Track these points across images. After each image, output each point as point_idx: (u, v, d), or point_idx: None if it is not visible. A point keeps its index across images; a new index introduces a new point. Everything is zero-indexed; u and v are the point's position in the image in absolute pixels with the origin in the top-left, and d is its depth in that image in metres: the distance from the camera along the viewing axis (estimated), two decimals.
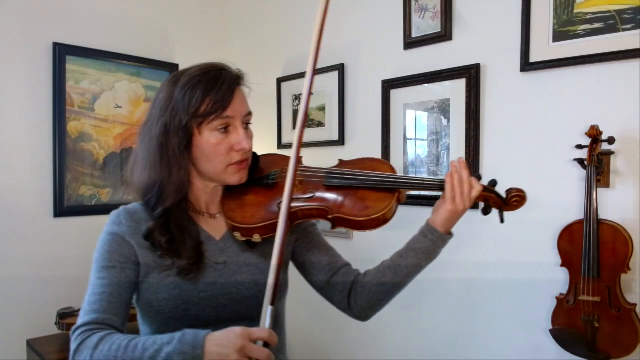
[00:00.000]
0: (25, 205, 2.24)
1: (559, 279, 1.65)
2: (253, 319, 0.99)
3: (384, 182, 1.04)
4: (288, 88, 2.60)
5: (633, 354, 1.47)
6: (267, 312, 0.86)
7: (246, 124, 1.05)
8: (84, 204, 2.41)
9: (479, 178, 1.06)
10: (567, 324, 1.57)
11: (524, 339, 1.77)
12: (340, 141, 2.35)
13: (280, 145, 2.65)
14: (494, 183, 1.07)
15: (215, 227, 1.08)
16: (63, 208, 2.33)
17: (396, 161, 2.12)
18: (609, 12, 1.54)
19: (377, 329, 2.23)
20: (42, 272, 2.25)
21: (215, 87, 0.99)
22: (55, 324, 2.08)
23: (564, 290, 1.60)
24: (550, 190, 1.69)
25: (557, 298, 1.61)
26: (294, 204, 1.01)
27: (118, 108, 2.52)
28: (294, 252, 1.17)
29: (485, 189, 1.05)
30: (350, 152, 2.33)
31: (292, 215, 1.01)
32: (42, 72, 2.28)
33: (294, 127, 2.57)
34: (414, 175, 1.03)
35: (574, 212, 1.60)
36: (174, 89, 1.00)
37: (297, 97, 2.56)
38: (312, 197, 1.05)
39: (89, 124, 2.42)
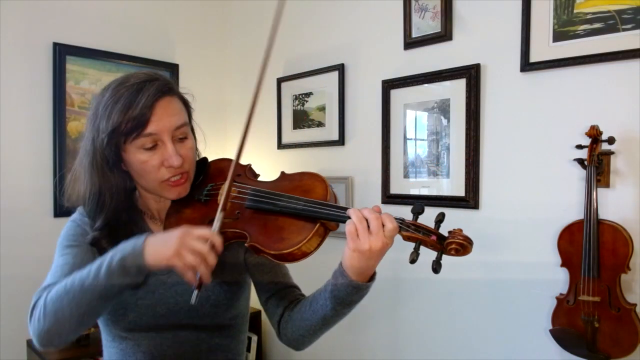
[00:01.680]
0: (25, 205, 2.24)
1: (559, 279, 1.65)
2: (206, 329, 0.99)
3: (304, 210, 0.90)
4: (288, 88, 2.60)
5: (633, 354, 1.47)
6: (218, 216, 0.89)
7: (181, 137, 0.98)
8: None
9: (419, 211, 0.87)
10: (567, 324, 1.57)
11: (524, 339, 1.77)
12: (340, 141, 2.35)
13: (280, 145, 2.65)
14: (419, 209, 0.88)
15: None
16: (63, 208, 2.33)
17: (396, 161, 2.12)
18: (609, 12, 1.54)
19: (376, 329, 2.23)
20: (42, 272, 2.24)
21: (134, 103, 0.91)
22: None
23: (564, 290, 1.60)
24: (550, 190, 1.69)
25: (557, 298, 1.61)
26: (225, 224, 0.96)
27: None
28: (246, 262, 1.09)
29: (405, 225, 0.86)
30: (350, 152, 2.33)
31: (222, 235, 0.95)
32: (42, 72, 2.28)
33: (294, 128, 2.57)
34: (336, 205, 0.90)
35: (574, 212, 1.60)
36: (99, 105, 0.96)
37: (297, 97, 2.55)
38: (238, 218, 0.96)
39: None
